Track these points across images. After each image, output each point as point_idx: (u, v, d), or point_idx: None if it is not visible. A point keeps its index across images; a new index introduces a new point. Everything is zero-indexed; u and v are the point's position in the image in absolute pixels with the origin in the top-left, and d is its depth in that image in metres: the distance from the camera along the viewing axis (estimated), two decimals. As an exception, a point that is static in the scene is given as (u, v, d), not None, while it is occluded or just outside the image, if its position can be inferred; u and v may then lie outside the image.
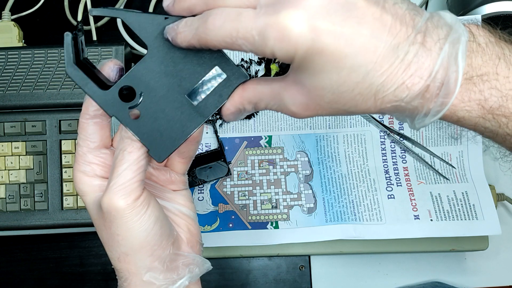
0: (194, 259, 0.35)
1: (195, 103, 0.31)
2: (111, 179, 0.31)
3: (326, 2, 0.25)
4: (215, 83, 0.31)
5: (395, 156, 0.62)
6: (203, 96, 0.31)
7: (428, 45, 0.26)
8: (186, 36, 0.29)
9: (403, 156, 0.62)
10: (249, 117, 0.63)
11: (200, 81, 0.31)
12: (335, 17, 0.25)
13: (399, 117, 0.29)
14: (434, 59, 0.26)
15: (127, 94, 0.31)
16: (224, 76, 0.31)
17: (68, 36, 0.30)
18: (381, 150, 0.62)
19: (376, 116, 0.61)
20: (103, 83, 0.32)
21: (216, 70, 0.31)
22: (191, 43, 0.29)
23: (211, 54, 0.30)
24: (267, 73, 0.63)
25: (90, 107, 0.33)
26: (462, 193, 0.59)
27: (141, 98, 0.31)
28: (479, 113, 0.28)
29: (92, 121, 0.33)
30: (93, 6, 0.66)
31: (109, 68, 0.32)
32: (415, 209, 0.58)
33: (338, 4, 0.25)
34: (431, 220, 0.57)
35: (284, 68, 0.62)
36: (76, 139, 0.58)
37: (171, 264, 0.34)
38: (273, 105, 0.30)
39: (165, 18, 0.30)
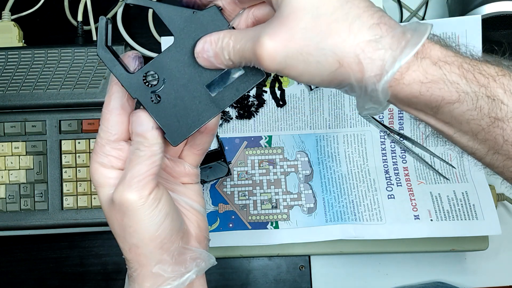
0: (201, 254, 0.36)
1: (213, 94, 0.33)
2: (125, 173, 0.32)
3: None
4: (233, 78, 0.33)
5: (395, 156, 0.62)
6: (221, 88, 0.33)
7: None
8: None
9: (403, 156, 0.62)
10: (249, 117, 0.63)
11: (220, 75, 0.33)
12: None
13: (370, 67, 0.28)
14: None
15: (149, 80, 0.33)
16: (242, 72, 0.33)
17: (103, 20, 0.32)
18: (381, 150, 0.62)
19: (376, 116, 0.61)
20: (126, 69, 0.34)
21: None
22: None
23: None
24: (267, 72, 0.63)
25: (113, 99, 0.33)
26: (462, 193, 0.59)
27: (164, 85, 0.33)
28: (458, 72, 0.28)
29: (115, 112, 0.33)
30: (93, 6, 0.66)
31: (130, 58, 0.33)
32: (415, 209, 0.58)
33: None
34: (431, 220, 0.57)
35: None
36: (76, 139, 0.58)
37: (179, 257, 0.34)
38: (246, 43, 0.30)
39: (193, 12, 0.32)
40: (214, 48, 0.31)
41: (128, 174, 0.32)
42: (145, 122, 0.32)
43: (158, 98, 0.33)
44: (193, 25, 0.32)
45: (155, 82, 0.33)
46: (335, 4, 0.28)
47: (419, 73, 0.28)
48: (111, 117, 0.33)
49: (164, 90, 0.33)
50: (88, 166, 0.58)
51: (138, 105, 0.34)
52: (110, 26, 0.33)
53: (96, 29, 0.66)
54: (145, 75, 0.33)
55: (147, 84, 0.33)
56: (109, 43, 0.33)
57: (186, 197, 0.38)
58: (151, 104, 0.33)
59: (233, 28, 0.33)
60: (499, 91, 0.28)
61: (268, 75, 0.33)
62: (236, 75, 0.33)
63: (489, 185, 0.59)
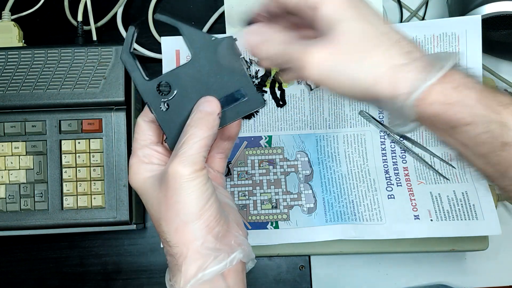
0: (244, 241, 0.37)
1: None
2: (179, 151, 0.34)
3: None
4: (236, 101, 0.37)
5: (395, 156, 0.62)
6: (224, 109, 0.37)
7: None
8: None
9: (403, 156, 0.62)
10: (249, 117, 0.63)
11: (225, 96, 0.37)
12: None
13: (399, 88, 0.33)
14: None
15: (162, 89, 0.37)
16: (245, 98, 0.37)
17: (132, 29, 0.37)
18: (381, 150, 0.62)
19: (376, 116, 0.61)
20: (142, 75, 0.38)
21: (240, 91, 0.37)
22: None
23: (240, 77, 0.37)
24: (267, 72, 0.63)
25: (151, 113, 0.38)
26: (462, 193, 0.59)
27: (174, 95, 0.37)
28: (475, 97, 0.32)
29: (151, 123, 0.38)
30: (93, 6, 0.66)
31: None
32: (415, 209, 0.58)
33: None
34: (431, 220, 0.57)
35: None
36: (76, 139, 0.58)
37: (223, 239, 0.36)
38: (295, 46, 0.35)
39: (213, 39, 0.36)
40: (265, 36, 0.36)
41: (182, 151, 0.34)
42: (214, 106, 0.36)
43: (167, 106, 0.37)
44: (211, 49, 0.36)
45: (167, 92, 0.37)
46: (379, 31, 0.34)
47: (441, 95, 0.32)
48: (147, 125, 0.38)
49: (173, 101, 0.37)
50: (88, 166, 0.58)
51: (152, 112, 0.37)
52: (136, 34, 0.37)
53: (96, 29, 0.66)
54: (159, 84, 0.37)
55: (159, 92, 0.37)
56: (132, 49, 0.37)
57: (221, 195, 0.40)
58: (159, 110, 0.37)
59: (244, 58, 0.37)
60: (509, 118, 0.32)
61: (264, 103, 0.38)
62: (240, 99, 0.37)
63: (489, 185, 0.59)
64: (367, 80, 0.33)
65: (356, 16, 0.34)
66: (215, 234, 0.35)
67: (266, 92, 0.63)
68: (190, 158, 0.34)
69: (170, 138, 0.37)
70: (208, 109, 0.36)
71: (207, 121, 0.35)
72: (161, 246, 0.54)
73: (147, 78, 0.37)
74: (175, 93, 0.37)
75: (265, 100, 0.37)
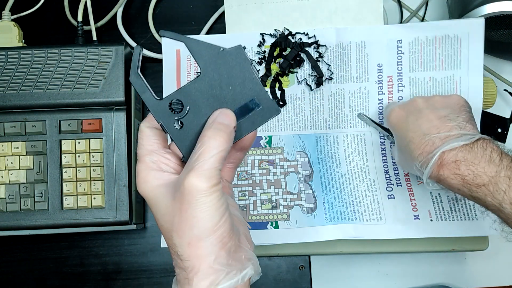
0: (254, 256, 0.37)
1: None
2: (195, 164, 0.33)
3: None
4: (251, 112, 0.36)
5: (395, 156, 0.62)
6: (239, 120, 0.36)
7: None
8: None
9: (403, 156, 0.62)
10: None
11: (239, 107, 0.36)
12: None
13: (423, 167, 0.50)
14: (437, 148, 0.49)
15: (175, 107, 0.36)
16: (260, 107, 0.36)
17: (138, 48, 0.36)
18: (381, 151, 0.62)
19: (375, 118, 0.61)
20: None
21: (254, 100, 0.36)
22: None
23: (252, 86, 0.36)
24: (267, 72, 0.63)
25: (153, 118, 0.38)
26: (462, 193, 0.59)
27: (187, 113, 0.36)
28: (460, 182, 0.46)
29: (155, 129, 0.38)
30: (93, 6, 0.66)
31: None
32: (415, 209, 0.58)
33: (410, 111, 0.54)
34: (431, 220, 0.57)
35: (284, 68, 0.62)
36: (76, 139, 0.58)
37: (235, 254, 0.35)
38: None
39: (221, 49, 0.35)
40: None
41: (198, 164, 0.33)
42: (231, 118, 0.35)
43: (181, 124, 0.36)
44: (220, 61, 0.35)
45: (179, 109, 0.36)
46: (417, 134, 0.50)
47: (448, 173, 0.48)
48: (151, 131, 0.37)
49: (187, 118, 0.36)
50: (88, 166, 0.58)
51: (164, 129, 0.36)
52: (142, 54, 0.36)
53: (96, 29, 0.66)
54: (171, 102, 0.36)
55: (172, 110, 0.36)
56: (139, 70, 0.36)
57: (230, 207, 0.39)
58: (173, 129, 0.36)
59: (254, 65, 0.36)
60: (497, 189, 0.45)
61: (280, 110, 0.38)
62: (254, 109, 0.36)
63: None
64: (411, 166, 0.52)
65: (399, 126, 0.53)
66: (228, 249, 0.34)
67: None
68: (207, 172, 0.33)
69: (187, 156, 0.36)
70: (225, 121, 0.35)
71: (224, 133, 0.34)
72: (162, 246, 0.54)
73: (158, 98, 0.36)
74: (187, 109, 0.35)
75: (280, 107, 0.36)
